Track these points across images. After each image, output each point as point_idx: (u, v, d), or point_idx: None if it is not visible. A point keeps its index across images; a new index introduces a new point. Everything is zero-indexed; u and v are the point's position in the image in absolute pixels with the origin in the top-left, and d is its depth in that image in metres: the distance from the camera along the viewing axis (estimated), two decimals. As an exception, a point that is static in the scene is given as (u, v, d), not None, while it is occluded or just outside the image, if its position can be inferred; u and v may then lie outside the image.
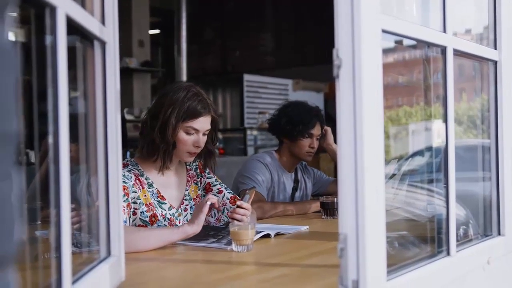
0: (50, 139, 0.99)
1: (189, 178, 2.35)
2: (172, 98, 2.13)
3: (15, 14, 0.59)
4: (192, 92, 2.16)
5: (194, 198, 2.33)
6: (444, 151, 1.52)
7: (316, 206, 2.78)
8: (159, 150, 2.15)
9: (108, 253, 1.36)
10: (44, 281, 1.17)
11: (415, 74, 2.02)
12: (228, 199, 2.32)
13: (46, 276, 1.15)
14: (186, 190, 2.32)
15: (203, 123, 2.17)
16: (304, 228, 2.32)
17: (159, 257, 1.82)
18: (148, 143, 2.17)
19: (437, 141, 1.91)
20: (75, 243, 1.31)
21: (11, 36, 0.57)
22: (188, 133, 2.15)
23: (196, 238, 2.02)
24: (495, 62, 1.79)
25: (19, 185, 0.57)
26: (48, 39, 1.00)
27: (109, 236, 1.36)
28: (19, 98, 0.58)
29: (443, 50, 1.50)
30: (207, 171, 2.40)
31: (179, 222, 2.23)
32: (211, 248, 1.91)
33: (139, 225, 2.13)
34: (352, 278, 1.15)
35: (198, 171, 2.39)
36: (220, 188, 2.37)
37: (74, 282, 1.08)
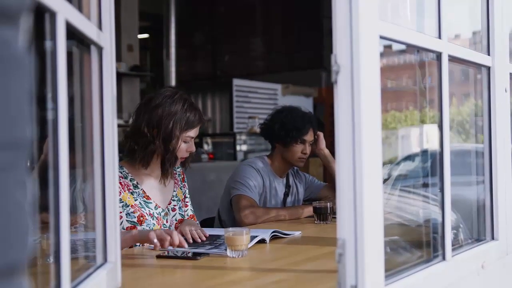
0: (50, 145, 0.98)
1: (176, 181, 2.44)
2: (171, 111, 2.22)
3: (30, 20, 0.59)
4: (188, 103, 2.27)
5: (182, 200, 2.43)
6: (439, 156, 1.53)
7: (308, 211, 2.78)
8: (164, 160, 2.24)
9: (105, 259, 1.35)
10: (41, 287, 1.16)
11: (404, 79, 2.03)
12: (188, 216, 2.42)
13: (43, 282, 1.14)
14: (174, 191, 2.40)
15: (197, 130, 2.32)
16: (297, 233, 2.32)
17: (155, 263, 1.81)
18: (150, 153, 2.23)
19: (427, 146, 1.92)
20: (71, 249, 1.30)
21: (25, 42, 0.57)
22: (185, 142, 2.27)
23: (194, 245, 2.01)
24: (488, 68, 1.80)
25: (32, 192, 0.57)
26: (47, 44, 0.99)
27: (105, 242, 1.35)
28: (32, 105, 0.58)
29: (439, 56, 1.51)
30: (185, 181, 2.51)
31: (167, 222, 2.31)
32: (208, 254, 1.90)
33: (127, 228, 2.16)
34: (351, 283, 1.15)
35: (180, 177, 2.49)
36: (187, 202, 2.48)
37: (72, 289, 1.07)
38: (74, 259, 1.37)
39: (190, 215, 2.43)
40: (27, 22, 0.58)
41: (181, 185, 2.47)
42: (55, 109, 0.99)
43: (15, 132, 0.54)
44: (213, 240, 2.10)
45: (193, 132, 2.28)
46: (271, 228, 2.37)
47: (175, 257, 1.85)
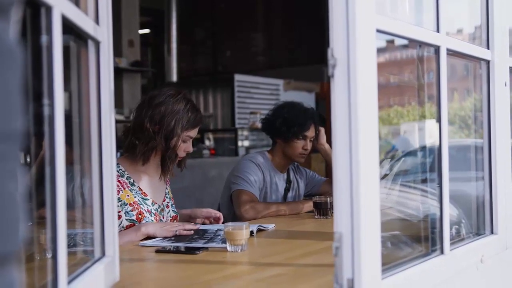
0: (46, 140, 0.99)
1: (167, 180, 2.47)
2: (174, 109, 2.25)
3: (19, 13, 0.59)
4: (191, 104, 2.31)
5: (172, 198, 2.47)
6: (437, 151, 1.53)
7: (309, 206, 2.78)
8: (164, 157, 2.27)
9: (103, 253, 1.35)
10: (38, 281, 1.17)
11: (406, 74, 2.02)
12: (171, 217, 2.41)
13: (40, 276, 1.14)
14: (166, 189, 2.44)
15: (197, 131, 2.35)
16: (271, 226, 2.34)
17: (153, 258, 1.81)
18: (150, 149, 2.25)
19: (429, 141, 1.92)
20: (69, 244, 1.30)
21: (16, 35, 0.57)
22: (184, 141, 2.30)
23: (188, 239, 2.02)
24: (488, 62, 1.80)
25: (24, 183, 0.58)
26: (43, 39, 0.99)
27: (103, 236, 1.35)
28: (23, 97, 0.58)
29: (437, 49, 1.50)
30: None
31: (163, 217, 2.35)
32: (208, 249, 1.90)
33: (127, 226, 2.17)
34: (347, 276, 1.16)
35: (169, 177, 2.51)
36: (172, 202, 2.47)
37: (69, 282, 1.08)
38: (72, 253, 1.38)
39: (173, 216, 2.43)
40: (17, 15, 0.59)
41: (169, 184, 2.51)
42: (51, 104, 0.99)
43: (6, 124, 0.54)
44: (202, 234, 2.11)
45: (193, 132, 2.31)
46: (271, 223, 2.38)
47: (174, 252, 1.85)
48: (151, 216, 2.26)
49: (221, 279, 1.55)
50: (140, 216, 2.22)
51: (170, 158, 2.28)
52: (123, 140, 2.29)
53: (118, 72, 7.35)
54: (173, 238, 2.06)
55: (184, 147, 2.31)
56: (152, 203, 2.30)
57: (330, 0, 1.17)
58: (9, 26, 0.55)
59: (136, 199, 2.24)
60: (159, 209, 2.33)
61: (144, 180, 2.32)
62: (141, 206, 2.24)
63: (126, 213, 2.20)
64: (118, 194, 2.18)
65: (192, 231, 2.13)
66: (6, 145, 0.54)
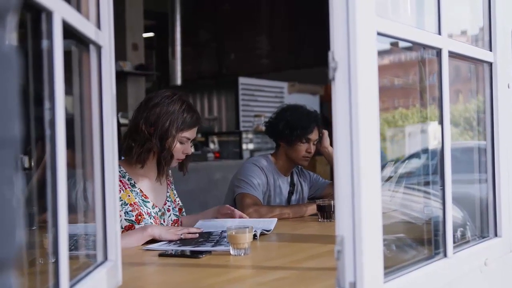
0: (47, 144, 0.99)
1: (168, 183, 2.47)
2: (168, 110, 2.25)
3: (16, 19, 0.60)
4: (186, 104, 2.30)
5: (174, 201, 2.46)
6: (440, 153, 1.52)
7: (312, 209, 2.78)
8: (160, 158, 2.26)
9: (105, 257, 1.35)
10: (41, 285, 1.17)
11: (411, 76, 2.02)
12: (172, 221, 2.41)
13: (43, 280, 1.14)
14: (168, 192, 2.43)
15: (195, 132, 2.33)
16: (273, 222, 2.34)
17: (156, 262, 1.81)
18: (146, 150, 2.25)
19: (434, 143, 1.91)
20: (71, 247, 1.31)
21: (13, 41, 0.57)
22: (181, 143, 2.29)
23: (193, 243, 2.02)
24: (490, 64, 1.79)
25: (20, 189, 0.58)
26: (44, 43, 1.00)
27: (105, 240, 1.36)
28: (20, 103, 0.58)
29: (439, 52, 1.50)
30: (172, 183, 2.52)
31: (164, 221, 2.35)
32: (211, 252, 1.90)
33: (125, 226, 2.18)
34: (349, 280, 1.15)
35: (172, 179, 2.52)
36: (173, 206, 2.46)
37: (71, 286, 1.08)
38: (75, 257, 1.38)
39: (174, 219, 2.43)
40: (14, 21, 0.59)
41: (172, 187, 2.50)
42: (52, 109, 0.99)
43: (3, 130, 0.54)
44: (207, 238, 2.11)
45: (189, 133, 2.29)
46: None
47: (177, 256, 1.85)
48: (150, 218, 2.26)
49: (225, 282, 1.55)
50: (139, 218, 2.22)
51: (165, 159, 2.27)
52: (121, 144, 2.29)
53: (123, 76, 7.36)
54: (178, 242, 2.05)
55: (182, 149, 2.29)
56: (152, 206, 2.30)
57: (330, 2, 1.17)
58: (5, 32, 0.55)
59: (136, 200, 2.24)
60: (159, 213, 2.33)
61: (145, 183, 2.32)
62: (141, 207, 2.24)
63: (126, 213, 2.20)
64: (119, 194, 2.18)
65: (197, 235, 2.13)
66: (3, 151, 0.54)
